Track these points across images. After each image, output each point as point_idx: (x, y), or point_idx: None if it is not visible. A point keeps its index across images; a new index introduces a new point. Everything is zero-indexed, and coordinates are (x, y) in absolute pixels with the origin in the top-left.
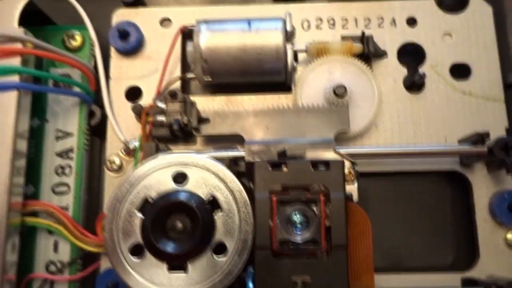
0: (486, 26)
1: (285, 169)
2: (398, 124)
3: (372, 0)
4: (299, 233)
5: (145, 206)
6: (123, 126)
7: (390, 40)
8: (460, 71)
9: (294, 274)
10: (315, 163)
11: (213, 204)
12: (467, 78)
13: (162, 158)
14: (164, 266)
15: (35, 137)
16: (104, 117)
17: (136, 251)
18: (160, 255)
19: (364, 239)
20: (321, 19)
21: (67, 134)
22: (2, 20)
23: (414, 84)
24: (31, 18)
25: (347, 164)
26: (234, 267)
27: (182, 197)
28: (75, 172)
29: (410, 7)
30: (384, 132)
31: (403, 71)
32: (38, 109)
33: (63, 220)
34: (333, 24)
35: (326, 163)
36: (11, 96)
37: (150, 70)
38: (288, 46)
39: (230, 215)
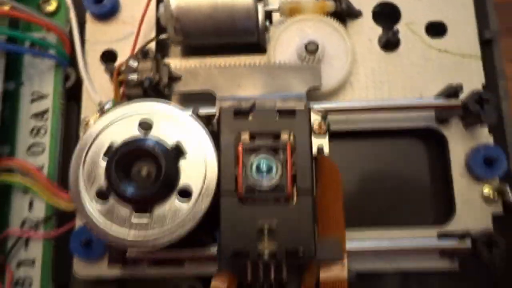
0: None
1: (251, 117)
2: (373, 83)
3: None
4: (265, 179)
5: (110, 152)
6: (98, 89)
7: (364, 0)
8: (435, 29)
9: (260, 219)
10: (281, 112)
11: (178, 150)
12: (443, 36)
13: (128, 107)
14: (128, 210)
15: (11, 99)
16: (78, 80)
17: (101, 196)
18: (124, 199)
19: (335, 192)
20: None
21: (43, 96)
22: None
23: (389, 42)
24: None
25: (317, 117)
26: (197, 211)
27: (147, 143)
28: (50, 133)
29: None
30: (359, 90)
31: (378, 31)
32: (13, 72)
33: (37, 178)
34: None
35: (292, 111)
36: None
37: (125, 34)
38: (260, 5)
39: (195, 161)
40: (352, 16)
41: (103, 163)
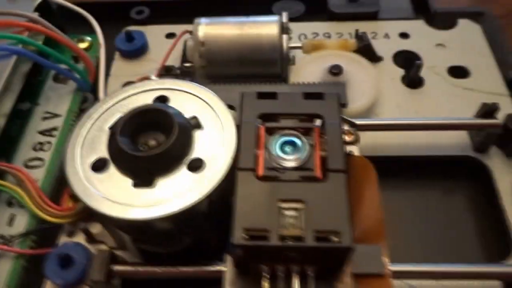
0: (477, 39)
1: (275, 100)
2: (399, 114)
3: (365, 20)
4: (288, 159)
5: (118, 121)
6: None
7: (384, 49)
8: (458, 72)
9: (282, 199)
10: (308, 94)
11: (194, 123)
12: (466, 78)
13: (144, 83)
14: (129, 182)
15: (22, 117)
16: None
17: (100, 166)
18: (126, 168)
19: (370, 191)
20: (317, 33)
21: (55, 116)
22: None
23: (412, 81)
24: None
25: (346, 127)
26: (207, 186)
27: (157, 104)
28: (54, 148)
29: (401, 25)
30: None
31: (400, 71)
32: (32, 94)
33: (27, 186)
34: (329, 37)
35: (321, 94)
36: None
37: (150, 69)
38: (283, 37)
39: (212, 134)
40: (373, 59)
41: (107, 131)
